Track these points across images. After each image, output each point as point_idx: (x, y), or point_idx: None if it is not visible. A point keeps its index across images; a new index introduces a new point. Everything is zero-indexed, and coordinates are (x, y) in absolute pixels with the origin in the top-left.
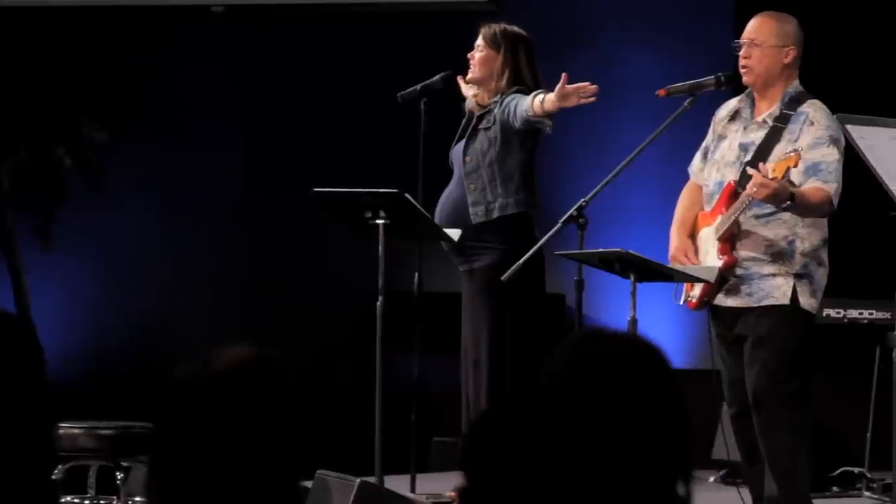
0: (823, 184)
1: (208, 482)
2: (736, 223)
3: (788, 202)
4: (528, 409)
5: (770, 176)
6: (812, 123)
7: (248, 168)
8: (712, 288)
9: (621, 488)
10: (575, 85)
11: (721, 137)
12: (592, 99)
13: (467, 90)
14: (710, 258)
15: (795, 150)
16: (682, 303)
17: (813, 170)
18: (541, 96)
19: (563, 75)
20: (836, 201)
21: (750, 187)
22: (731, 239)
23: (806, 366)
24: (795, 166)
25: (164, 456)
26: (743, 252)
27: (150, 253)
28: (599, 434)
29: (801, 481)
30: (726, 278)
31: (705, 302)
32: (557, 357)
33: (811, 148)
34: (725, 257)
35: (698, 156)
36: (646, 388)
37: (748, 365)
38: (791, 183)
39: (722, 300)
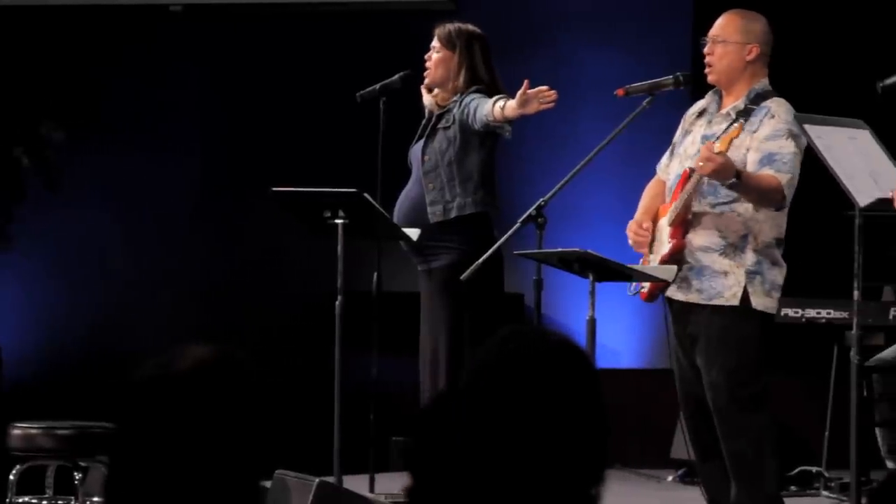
0: (776, 172)
1: (169, 482)
2: (687, 207)
3: (734, 180)
4: (442, 409)
5: (716, 150)
6: (773, 116)
7: (207, 167)
8: (668, 282)
9: (535, 489)
10: (535, 89)
11: (687, 133)
12: (552, 105)
13: (428, 98)
14: (664, 247)
15: (738, 122)
16: (633, 293)
17: (768, 159)
18: (501, 102)
19: (525, 82)
20: (788, 193)
21: (696, 162)
22: (683, 224)
23: (764, 368)
24: (737, 136)
25: (124, 456)
26: (696, 241)
27: (108, 253)
28: (514, 433)
29: (767, 484)
30: (679, 269)
31: (656, 294)
32: (479, 355)
33: (768, 139)
34: (674, 241)
35: (666, 153)
36: (565, 388)
37: (704, 367)
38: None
39: (673, 293)
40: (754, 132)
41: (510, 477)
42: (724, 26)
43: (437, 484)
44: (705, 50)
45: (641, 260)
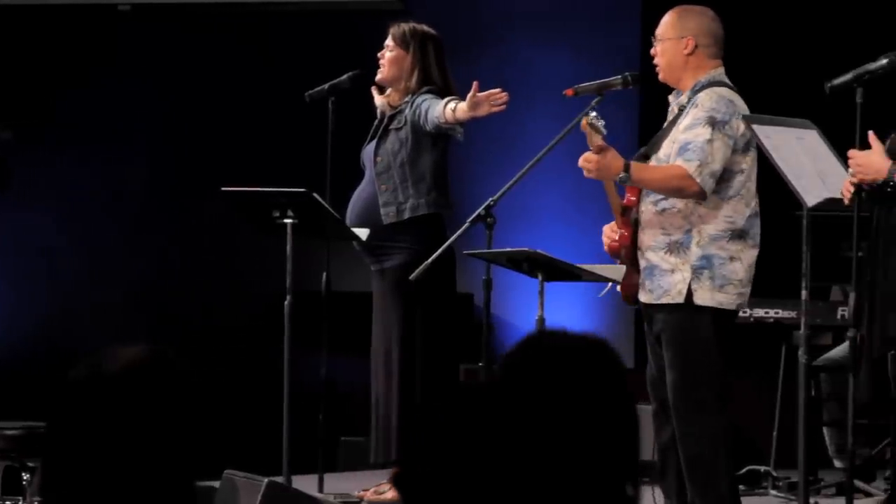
0: (683, 161)
1: (103, 483)
2: (617, 207)
3: (622, 175)
4: (470, 405)
5: (592, 145)
6: (696, 106)
7: (156, 167)
8: (630, 282)
9: (572, 488)
10: (486, 92)
11: None
12: (503, 107)
13: (379, 99)
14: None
15: (586, 115)
16: (600, 294)
17: (681, 149)
18: (452, 104)
19: (475, 84)
20: (702, 179)
21: (580, 164)
22: (623, 224)
23: (720, 366)
24: (587, 125)
25: (57, 456)
26: (644, 241)
27: (57, 252)
28: (551, 432)
29: (720, 485)
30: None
31: (629, 296)
32: (512, 354)
33: (686, 129)
34: (610, 242)
35: None
36: (598, 387)
37: (665, 366)
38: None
39: (639, 294)
40: (679, 125)
41: (547, 476)
42: (662, 25)
43: (437, 479)
44: (651, 51)
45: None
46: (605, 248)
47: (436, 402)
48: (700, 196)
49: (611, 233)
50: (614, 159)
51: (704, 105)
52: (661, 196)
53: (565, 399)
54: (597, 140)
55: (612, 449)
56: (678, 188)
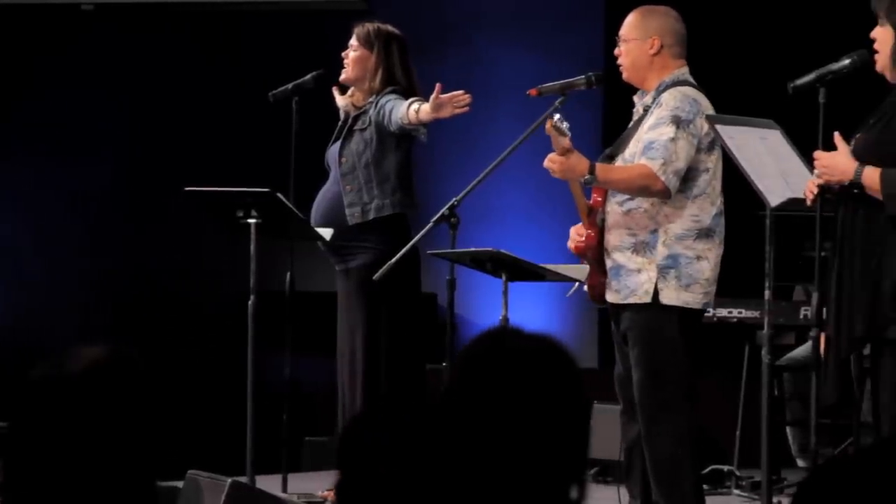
0: (647, 160)
1: (65, 482)
2: (583, 207)
3: (588, 176)
4: (410, 406)
5: (558, 147)
6: (660, 105)
7: (120, 167)
8: (596, 282)
9: (515, 488)
10: (449, 94)
11: None
12: (466, 109)
13: (342, 100)
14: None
15: (549, 117)
16: (568, 294)
17: (646, 148)
18: (416, 105)
19: (438, 86)
20: (665, 178)
21: (545, 165)
22: (590, 225)
23: (686, 366)
24: (551, 127)
25: (19, 456)
26: (611, 241)
27: (21, 252)
28: (500, 432)
29: (684, 485)
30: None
31: (596, 296)
32: (465, 353)
33: (650, 129)
34: (577, 243)
35: None
36: (549, 388)
37: (632, 365)
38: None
39: (606, 294)
40: (644, 125)
41: (493, 477)
42: (626, 25)
43: (378, 482)
44: (615, 51)
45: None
46: (573, 248)
47: (374, 409)
48: (665, 195)
49: (577, 235)
50: (579, 161)
51: (668, 104)
52: (626, 196)
53: (514, 400)
54: (562, 142)
55: (559, 450)
56: (643, 187)
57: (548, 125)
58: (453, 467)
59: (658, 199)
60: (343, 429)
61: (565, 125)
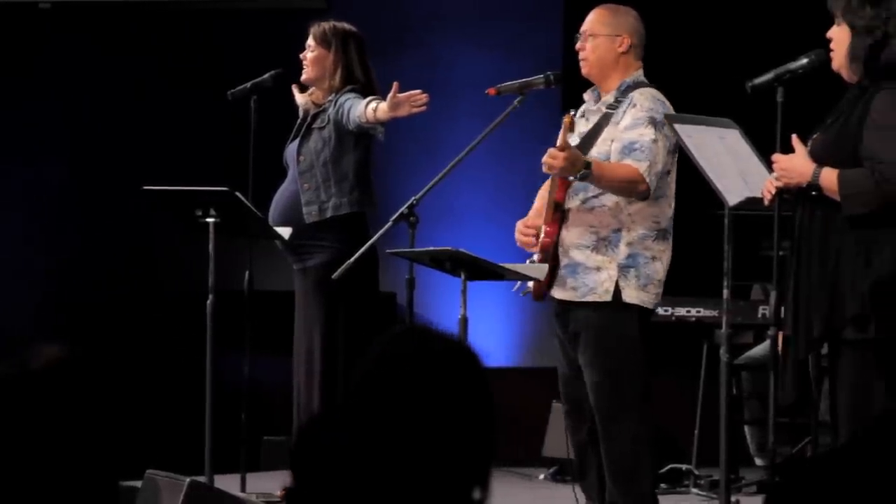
0: (634, 161)
1: (24, 481)
2: (551, 205)
3: (583, 171)
4: (348, 410)
5: (559, 143)
6: (634, 106)
7: (77, 166)
8: (546, 279)
9: (418, 487)
10: (407, 93)
11: (573, 133)
12: (423, 108)
13: (301, 98)
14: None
15: (567, 113)
16: (525, 293)
17: (628, 149)
18: (374, 104)
19: (395, 84)
20: (650, 180)
21: (543, 163)
22: (552, 222)
23: (643, 365)
24: (571, 129)
25: None
26: (568, 238)
27: None
28: (402, 431)
29: (643, 484)
30: (558, 266)
31: (542, 293)
32: (369, 354)
33: (628, 129)
34: (543, 239)
35: None
36: (454, 388)
37: (585, 366)
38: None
39: (554, 292)
40: (618, 124)
41: (395, 477)
42: (593, 20)
43: (320, 484)
44: (577, 45)
45: (528, 260)
46: (528, 244)
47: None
48: (645, 196)
49: (524, 229)
50: (577, 157)
51: (643, 105)
52: (592, 194)
53: (417, 400)
54: (568, 138)
55: (462, 451)
56: (630, 188)
57: (568, 119)
58: (358, 467)
59: (626, 199)
60: (295, 433)
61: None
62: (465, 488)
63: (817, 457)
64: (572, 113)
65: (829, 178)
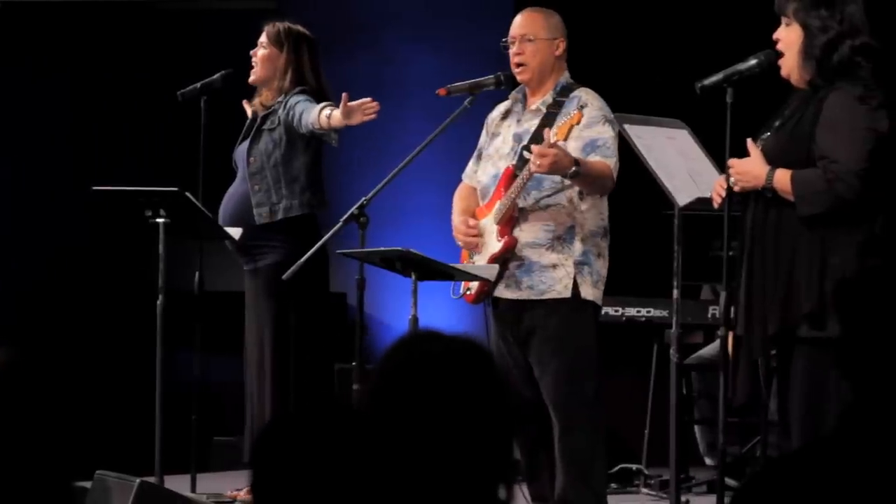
0: (603, 158)
1: None
2: (514, 206)
3: (574, 168)
4: (330, 409)
5: (552, 139)
6: (585, 105)
7: (26, 165)
8: (491, 281)
9: (444, 489)
10: (358, 101)
11: (494, 135)
12: (374, 116)
13: (249, 109)
14: (490, 246)
15: (578, 109)
16: (459, 297)
17: (591, 146)
18: (327, 111)
19: (344, 95)
20: (615, 175)
21: (533, 161)
22: (510, 222)
23: (598, 361)
24: (578, 123)
25: None
26: (522, 238)
27: None
28: (426, 433)
29: (596, 480)
30: (506, 267)
31: (484, 295)
32: (388, 356)
33: (586, 127)
34: (505, 238)
35: (472, 160)
36: (474, 390)
37: (540, 364)
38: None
39: (502, 292)
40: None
41: (421, 481)
42: (530, 24)
43: (293, 484)
44: (514, 50)
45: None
46: (462, 243)
47: (284, 413)
48: (608, 192)
49: (468, 230)
50: (565, 155)
51: (594, 104)
52: (545, 192)
53: (437, 404)
54: (560, 137)
55: (485, 452)
56: (604, 185)
57: (577, 114)
58: (380, 472)
59: (577, 195)
60: (258, 431)
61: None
62: (490, 487)
63: (782, 458)
64: (582, 110)
65: (783, 179)
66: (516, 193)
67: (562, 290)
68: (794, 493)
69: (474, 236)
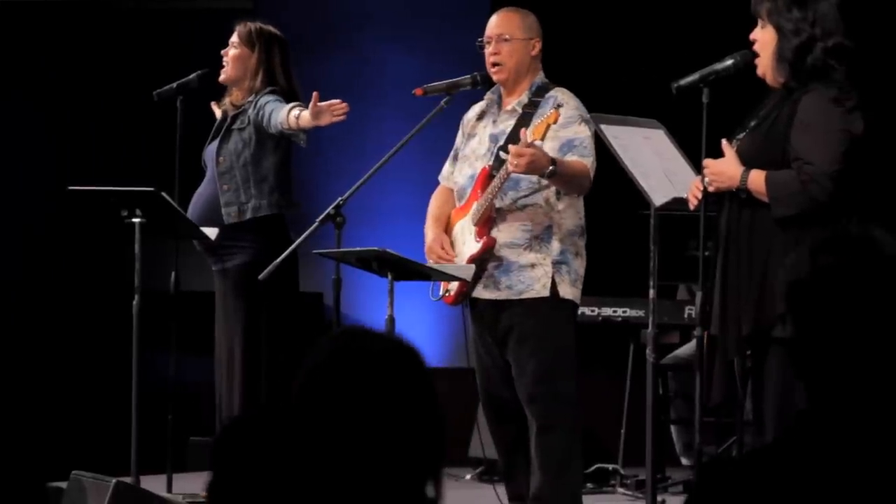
0: (581, 157)
1: None
2: (491, 207)
3: (552, 168)
4: (279, 408)
5: (529, 139)
6: (561, 105)
7: (1, 164)
8: (469, 282)
9: (371, 488)
10: (327, 102)
11: (470, 136)
12: (343, 118)
13: (218, 111)
14: (468, 247)
15: (554, 109)
16: (438, 299)
17: (568, 146)
18: (296, 111)
19: (314, 95)
20: (592, 175)
21: (510, 160)
22: (488, 223)
23: (575, 359)
24: (555, 122)
25: None
26: (500, 238)
27: None
28: (351, 431)
29: (572, 480)
30: (484, 268)
31: (463, 296)
32: (314, 354)
33: (563, 127)
34: (484, 239)
35: (448, 161)
36: (401, 388)
37: (519, 362)
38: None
39: (480, 293)
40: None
41: (347, 477)
42: (506, 24)
43: (248, 484)
44: (490, 50)
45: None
46: (445, 260)
47: (243, 412)
48: (586, 192)
49: (443, 253)
50: (543, 154)
51: (570, 104)
52: (522, 192)
53: (363, 401)
54: (537, 137)
55: (413, 450)
56: (583, 184)
57: (553, 114)
58: (308, 469)
59: (553, 195)
60: (217, 432)
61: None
62: (417, 486)
63: (740, 457)
64: (558, 109)
65: (757, 180)
66: (493, 194)
67: (540, 289)
68: (746, 492)
69: (449, 258)
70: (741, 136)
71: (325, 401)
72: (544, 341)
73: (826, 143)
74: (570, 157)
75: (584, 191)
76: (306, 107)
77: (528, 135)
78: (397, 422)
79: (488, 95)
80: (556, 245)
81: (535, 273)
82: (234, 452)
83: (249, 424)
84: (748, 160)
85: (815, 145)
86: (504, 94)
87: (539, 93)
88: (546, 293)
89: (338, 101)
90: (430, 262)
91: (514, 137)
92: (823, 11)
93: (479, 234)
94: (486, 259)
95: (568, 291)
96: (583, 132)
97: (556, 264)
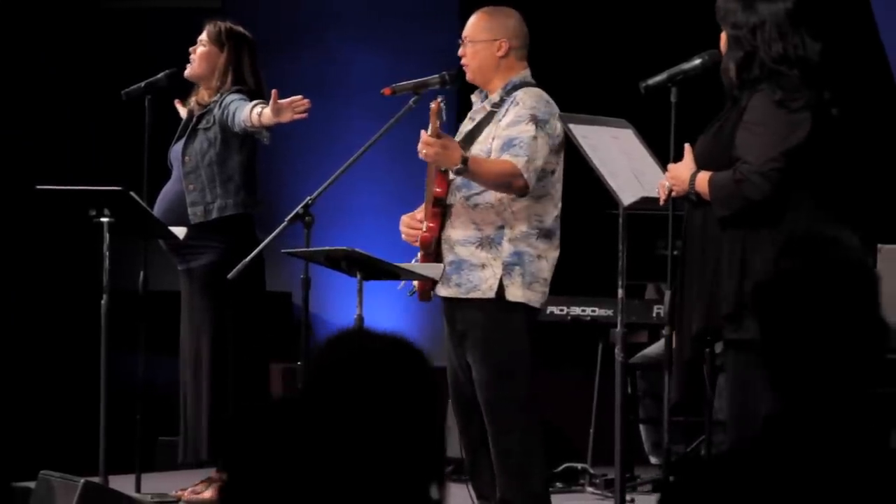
0: (512, 157)
1: None
2: (433, 200)
3: (461, 166)
4: (287, 406)
5: (430, 131)
6: (517, 104)
7: None
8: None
9: (377, 488)
10: (288, 99)
11: (459, 134)
12: (305, 115)
13: (183, 111)
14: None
15: (434, 100)
16: (411, 293)
17: (507, 145)
18: (259, 108)
19: (274, 92)
20: (529, 176)
21: (419, 149)
22: (436, 217)
23: (530, 363)
24: (439, 116)
25: None
26: (454, 235)
27: None
28: (358, 431)
29: (535, 481)
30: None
31: (425, 293)
32: (320, 355)
33: (509, 126)
34: (422, 234)
35: None
36: (406, 387)
37: (473, 364)
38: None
39: (439, 290)
40: (500, 121)
41: (354, 477)
42: (472, 26)
43: (259, 481)
44: (459, 52)
45: (414, 259)
46: (413, 239)
47: (246, 413)
48: (523, 192)
49: (411, 222)
50: (455, 149)
51: (526, 103)
52: (474, 191)
53: (367, 401)
54: (437, 127)
55: (416, 450)
56: (507, 183)
57: (435, 105)
58: (315, 469)
59: (508, 195)
60: (223, 429)
61: (443, 110)
62: (422, 487)
63: (711, 457)
64: (440, 99)
65: (702, 182)
66: (428, 185)
67: (486, 290)
68: (716, 493)
69: (414, 231)
70: (700, 138)
71: (330, 401)
72: (494, 345)
73: (762, 142)
74: (504, 157)
75: (515, 190)
76: (268, 104)
77: (437, 127)
78: (403, 421)
79: (476, 93)
80: (507, 246)
81: (484, 273)
82: (249, 453)
83: (260, 423)
84: (703, 163)
85: (753, 145)
86: (488, 92)
87: (510, 92)
88: (492, 295)
89: (299, 97)
90: (404, 236)
91: (471, 135)
92: (771, 15)
93: (426, 230)
94: (440, 254)
95: (518, 294)
96: (526, 132)
97: (507, 266)
